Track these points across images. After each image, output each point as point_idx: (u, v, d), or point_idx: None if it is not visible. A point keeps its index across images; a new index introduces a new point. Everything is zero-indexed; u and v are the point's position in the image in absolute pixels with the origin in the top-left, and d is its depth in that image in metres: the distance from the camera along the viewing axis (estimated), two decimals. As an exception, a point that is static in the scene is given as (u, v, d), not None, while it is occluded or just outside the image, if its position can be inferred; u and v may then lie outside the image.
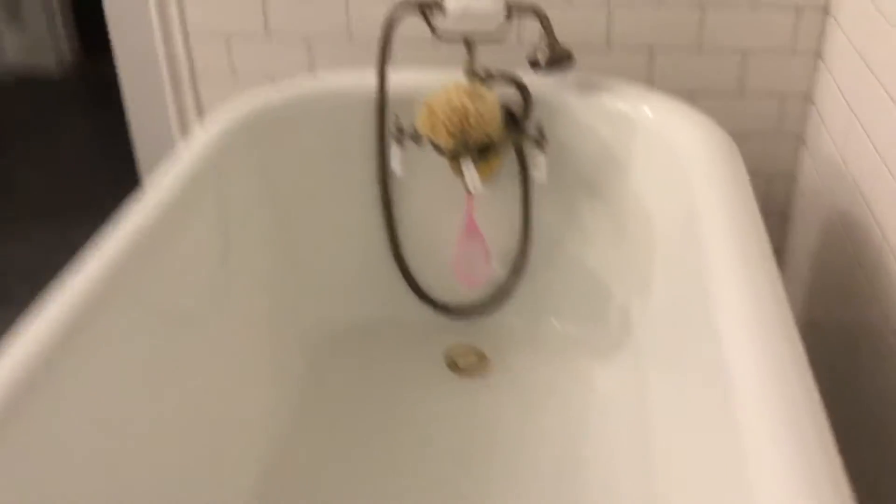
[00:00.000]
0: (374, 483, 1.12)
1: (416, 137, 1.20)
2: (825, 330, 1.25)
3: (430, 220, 1.34)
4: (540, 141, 1.20)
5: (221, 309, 1.10)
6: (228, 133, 1.17)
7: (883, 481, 1.01)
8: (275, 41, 1.47)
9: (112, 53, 1.54)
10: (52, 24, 2.87)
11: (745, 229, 0.91)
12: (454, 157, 1.18)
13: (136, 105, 1.59)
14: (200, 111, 1.56)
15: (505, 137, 1.20)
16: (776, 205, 1.50)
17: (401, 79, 1.25)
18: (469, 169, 1.15)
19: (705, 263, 0.90)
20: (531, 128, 1.23)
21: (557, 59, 1.17)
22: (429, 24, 1.18)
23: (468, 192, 1.22)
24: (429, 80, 1.22)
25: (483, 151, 1.18)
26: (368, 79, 1.25)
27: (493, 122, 1.15)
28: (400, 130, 1.21)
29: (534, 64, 1.18)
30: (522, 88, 1.21)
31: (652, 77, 1.42)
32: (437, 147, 1.19)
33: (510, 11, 1.15)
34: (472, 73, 1.19)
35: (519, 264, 1.34)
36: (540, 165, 1.20)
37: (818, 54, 1.37)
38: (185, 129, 1.58)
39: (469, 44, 1.18)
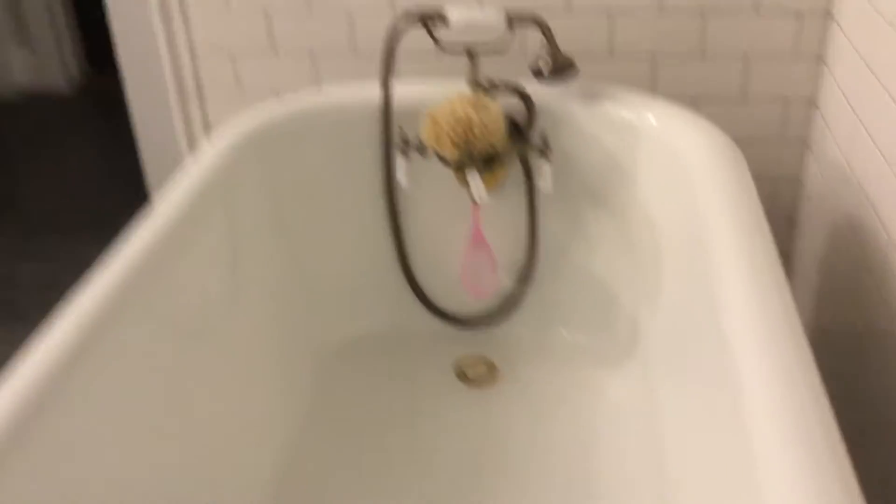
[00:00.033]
0: (383, 492, 1.12)
1: (421, 149, 1.21)
2: (833, 334, 1.25)
3: (437, 231, 1.34)
4: (544, 150, 1.20)
5: (231, 321, 1.11)
6: (235, 147, 1.18)
7: (892, 485, 1.01)
8: (280, 55, 1.48)
9: (119, 70, 1.56)
10: (60, 43, 2.89)
11: (750, 235, 0.92)
12: (459, 168, 1.18)
13: (143, 121, 1.60)
14: (207, 126, 1.57)
15: (509, 147, 1.20)
16: (783, 209, 1.50)
17: (405, 91, 1.26)
18: (474, 179, 1.16)
19: (712, 270, 0.90)
20: (535, 137, 1.23)
21: (560, 68, 1.17)
22: (431, 35, 1.19)
23: (474, 202, 1.22)
24: (433, 92, 1.23)
25: (488, 162, 1.18)
26: (373, 91, 1.26)
27: (497, 133, 1.15)
28: (405, 142, 1.21)
29: (537, 73, 1.18)
30: (526, 98, 1.22)
31: (655, 84, 1.43)
32: (442, 158, 1.19)
33: (511, 22, 1.16)
34: (475, 84, 1.20)
35: (526, 274, 1.34)
36: (545, 175, 1.21)
37: (821, 59, 1.37)
38: (192, 143, 1.59)
39: (472, 55, 1.19)
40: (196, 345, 1.02)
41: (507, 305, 1.36)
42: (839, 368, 1.21)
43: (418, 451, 1.18)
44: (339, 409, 1.26)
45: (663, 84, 1.43)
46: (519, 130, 1.23)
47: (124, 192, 2.26)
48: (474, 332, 1.38)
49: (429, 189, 1.31)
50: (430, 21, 1.17)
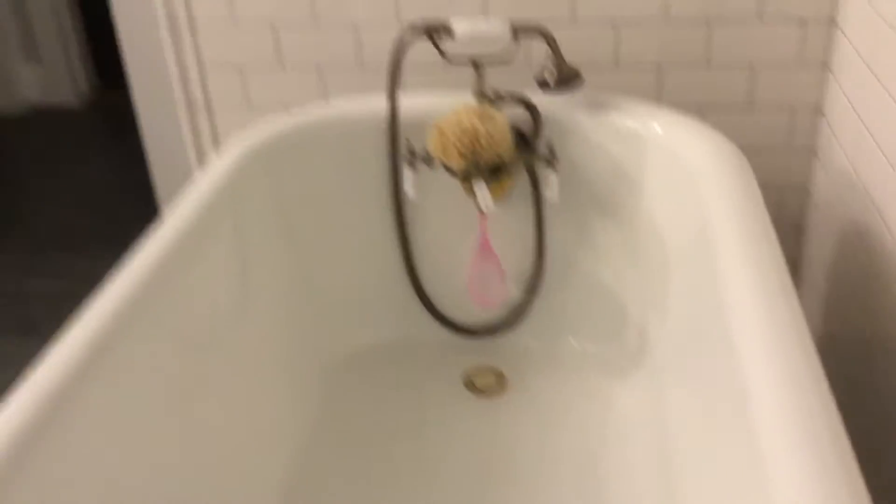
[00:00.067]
0: (391, 502, 1.12)
1: (428, 160, 1.21)
2: (841, 341, 1.25)
3: (445, 241, 1.35)
4: (551, 160, 1.20)
5: (240, 332, 1.12)
6: (244, 160, 1.19)
7: (906, 493, 1.00)
8: (287, 69, 1.50)
9: (128, 85, 1.57)
10: (69, 58, 2.92)
11: (757, 243, 0.92)
12: (466, 179, 1.19)
13: (152, 135, 1.61)
14: (216, 139, 1.58)
15: (516, 157, 1.21)
16: (790, 217, 1.50)
17: (411, 103, 1.26)
18: (481, 189, 1.16)
19: (720, 278, 0.90)
20: (542, 147, 1.24)
21: (566, 78, 1.18)
22: (437, 47, 1.19)
23: (481, 212, 1.22)
24: (439, 104, 1.24)
25: (495, 172, 1.19)
26: (379, 104, 1.27)
27: (503, 143, 1.16)
28: (412, 153, 1.22)
29: (542, 84, 1.19)
30: (532, 108, 1.22)
31: (661, 94, 1.43)
32: (449, 169, 1.20)
33: (517, 33, 1.16)
34: (481, 96, 1.20)
35: (534, 284, 1.34)
36: (552, 185, 1.21)
37: (826, 66, 1.37)
38: (201, 157, 1.60)
39: (477, 66, 1.19)
40: (205, 356, 1.02)
41: (514, 315, 1.37)
42: (847, 375, 1.20)
43: (426, 461, 1.18)
44: (347, 418, 1.26)
45: (669, 93, 1.43)
46: (525, 140, 1.23)
47: (134, 206, 2.27)
48: (482, 341, 1.38)
49: (436, 200, 1.31)
50: (435, 33, 1.17)
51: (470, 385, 1.31)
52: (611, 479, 1.14)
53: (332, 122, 1.29)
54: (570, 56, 1.41)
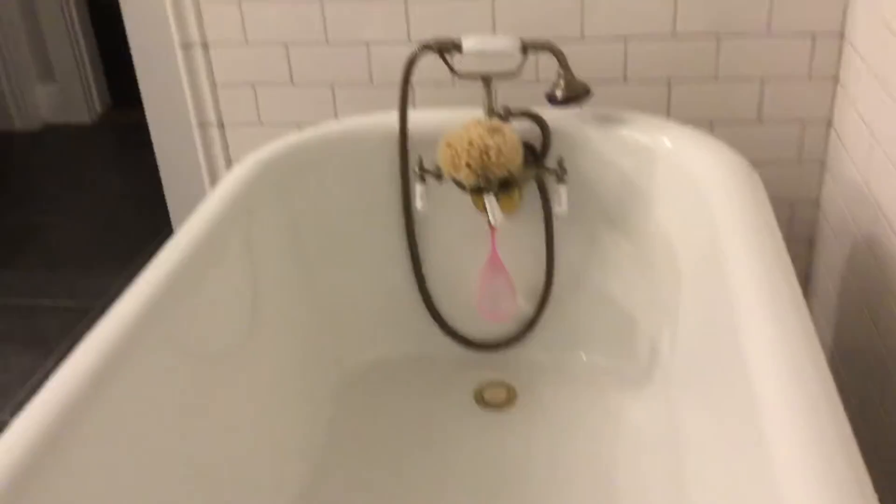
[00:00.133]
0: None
1: (438, 175, 1.22)
2: (853, 354, 1.24)
3: (455, 256, 1.35)
4: (560, 174, 1.21)
5: (251, 347, 1.12)
6: (255, 177, 1.20)
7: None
8: (299, 87, 1.51)
9: (142, 103, 1.59)
10: (83, 78, 2.95)
11: (768, 256, 0.92)
12: (476, 193, 1.19)
13: (165, 153, 1.62)
14: (228, 157, 1.59)
15: (526, 172, 1.21)
16: (801, 231, 1.49)
17: (421, 118, 1.27)
18: (491, 204, 1.17)
19: (730, 292, 0.90)
20: (551, 161, 1.24)
21: (574, 93, 1.18)
22: (447, 64, 1.20)
23: (491, 226, 1.23)
24: (449, 119, 1.24)
25: (504, 186, 1.19)
26: (390, 120, 1.27)
27: (513, 157, 1.16)
28: (422, 168, 1.23)
29: (551, 99, 1.19)
30: (541, 123, 1.23)
31: (670, 108, 1.43)
32: (458, 183, 1.20)
33: (525, 49, 1.17)
34: (491, 111, 1.21)
35: (544, 297, 1.34)
36: (561, 198, 1.22)
37: (836, 79, 1.37)
38: (214, 175, 1.61)
39: (487, 81, 1.20)
40: (217, 371, 1.03)
41: (524, 329, 1.36)
42: (859, 388, 1.20)
43: (438, 475, 1.18)
44: (359, 433, 1.26)
45: (678, 108, 1.43)
46: (535, 155, 1.24)
47: (147, 223, 2.29)
48: (493, 355, 1.38)
49: (446, 214, 1.32)
50: (445, 50, 1.18)
51: (480, 399, 1.31)
52: (623, 493, 1.13)
53: (342, 139, 1.30)
54: (579, 71, 1.42)
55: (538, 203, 1.29)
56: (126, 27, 1.53)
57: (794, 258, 0.95)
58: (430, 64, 1.38)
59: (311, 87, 1.51)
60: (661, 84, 1.42)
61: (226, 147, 1.58)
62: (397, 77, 1.46)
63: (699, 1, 1.35)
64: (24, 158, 2.77)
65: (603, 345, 1.34)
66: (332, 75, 1.49)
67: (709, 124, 1.44)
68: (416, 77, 1.44)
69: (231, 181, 1.17)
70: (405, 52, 1.24)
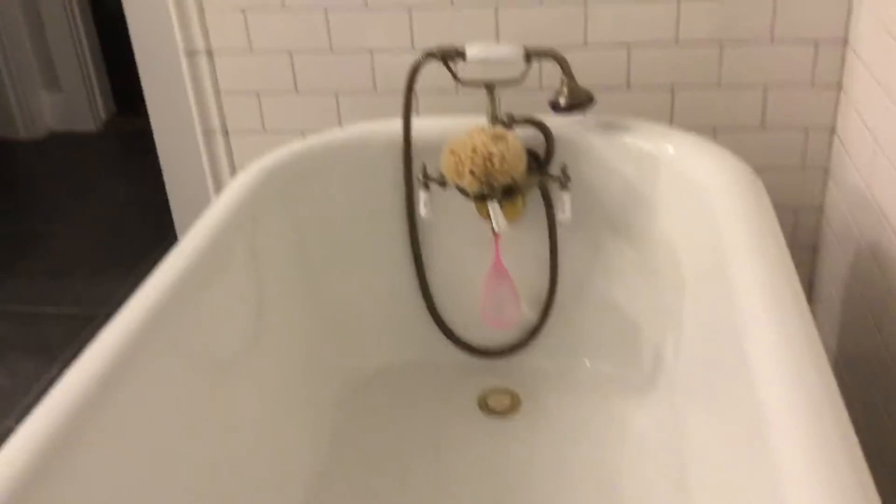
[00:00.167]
0: (409, 527, 1.12)
1: (442, 182, 1.22)
2: (857, 361, 1.24)
3: (458, 263, 1.35)
4: (564, 181, 1.21)
5: (255, 354, 1.12)
6: (259, 184, 1.20)
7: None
8: (303, 95, 1.51)
9: (146, 111, 1.59)
10: (88, 87, 2.96)
11: (772, 262, 0.92)
12: (480, 200, 1.20)
13: (170, 160, 1.63)
14: (232, 164, 1.60)
15: (529, 179, 1.22)
16: (805, 238, 1.49)
17: (425, 125, 1.28)
18: (495, 211, 1.17)
19: (734, 298, 0.90)
20: (555, 168, 1.24)
21: (578, 101, 1.19)
22: (451, 71, 1.21)
23: (495, 233, 1.23)
24: (452, 126, 1.25)
25: (508, 193, 1.19)
26: (393, 127, 1.28)
27: (516, 164, 1.16)
28: (426, 176, 1.23)
29: (555, 107, 1.20)
30: (545, 130, 1.23)
31: (673, 115, 1.44)
32: (462, 190, 1.21)
33: (529, 56, 1.17)
34: (494, 118, 1.21)
35: (547, 304, 1.34)
36: (565, 205, 1.22)
37: (839, 86, 1.38)
38: (218, 183, 1.62)
39: (490, 89, 1.20)
40: (221, 378, 1.03)
41: (528, 335, 1.36)
42: (863, 395, 1.19)
43: (442, 482, 1.18)
44: (363, 440, 1.26)
45: (681, 115, 1.44)
46: (538, 162, 1.24)
47: (151, 230, 2.29)
48: (496, 362, 1.38)
49: (449, 221, 1.32)
50: (449, 58, 1.19)
51: (484, 406, 1.31)
52: (627, 500, 1.13)
53: (346, 146, 1.30)
54: (582, 78, 1.42)
55: (542, 210, 1.29)
56: (130, 35, 1.53)
57: (798, 265, 0.95)
58: (433, 71, 1.38)
59: (315, 94, 1.51)
60: (664, 91, 1.42)
61: (230, 154, 1.59)
62: (401, 85, 1.47)
63: (702, 8, 1.35)
64: (29, 166, 2.78)
65: (607, 352, 1.34)
66: (336, 83, 1.50)
67: (712, 131, 1.44)
68: (419, 84, 1.45)
69: (235, 188, 1.17)
70: (409, 59, 1.24)
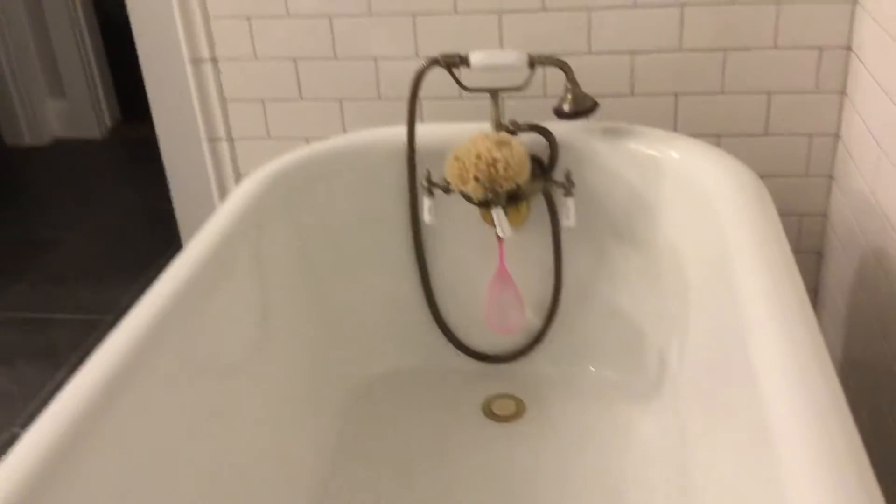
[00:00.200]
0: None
1: (446, 188, 1.22)
2: (863, 367, 1.23)
3: (463, 269, 1.35)
4: (568, 187, 1.21)
5: (260, 360, 1.12)
6: (264, 191, 1.21)
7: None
8: (307, 102, 1.52)
9: (151, 118, 1.60)
10: (93, 94, 2.97)
11: (777, 268, 0.91)
12: (484, 206, 1.20)
13: (175, 167, 1.63)
14: (237, 171, 1.60)
15: (533, 185, 1.22)
16: (810, 243, 1.49)
17: (429, 132, 1.28)
18: (499, 216, 1.17)
19: (739, 304, 0.90)
20: (559, 174, 1.24)
21: (582, 107, 1.19)
22: (455, 78, 1.21)
23: (499, 239, 1.23)
24: (456, 133, 1.25)
25: (512, 199, 1.19)
26: (397, 134, 1.28)
27: (520, 170, 1.16)
28: (430, 182, 1.23)
29: (559, 113, 1.20)
30: (548, 136, 1.23)
31: (677, 121, 1.44)
32: (466, 196, 1.21)
33: (533, 63, 1.18)
34: (498, 125, 1.22)
35: (552, 310, 1.34)
36: (569, 211, 1.22)
37: (843, 92, 1.38)
38: (223, 189, 1.62)
39: (494, 96, 1.21)
40: (226, 384, 1.03)
41: (532, 341, 1.36)
42: (869, 401, 1.19)
43: (447, 488, 1.18)
44: (367, 446, 1.26)
45: (685, 121, 1.44)
46: (542, 168, 1.24)
47: (156, 237, 2.30)
48: (501, 368, 1.38)
49: (454, 227, 1.32)
50: (453, 65, 1.19)
51: (489, 412, 1.31)
52: (632, 508, 1.13)
53: (351, 153, 1.30)
54: (586, 85, 1.43)
55: (546, 216, 1.29)
56: (136, 42, 1.54)
57: (803, 271, 0.95)
58: (437, 78, 1.38)
59: (320, 101, 1.52)
60: (668, 98, 1.42)
61: (235, 161, 1.59)
62: (405, 91, 1.47)
63: (706, 15, 1.36)
64: (35, 173, 2.79)
65: (611, 358, 1.34)
66: (340, 90, 1.50)
67: (716, 138, 1.44)
68: (423, 91, 1.45)
69: (240, 195, 1.18)
70: (413, 66, 1.24)
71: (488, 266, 1.32)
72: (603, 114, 1.43)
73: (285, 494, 1.13)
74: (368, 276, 1.36)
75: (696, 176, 1.15)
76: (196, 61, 1.51)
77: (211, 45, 1.50)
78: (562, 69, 1.18)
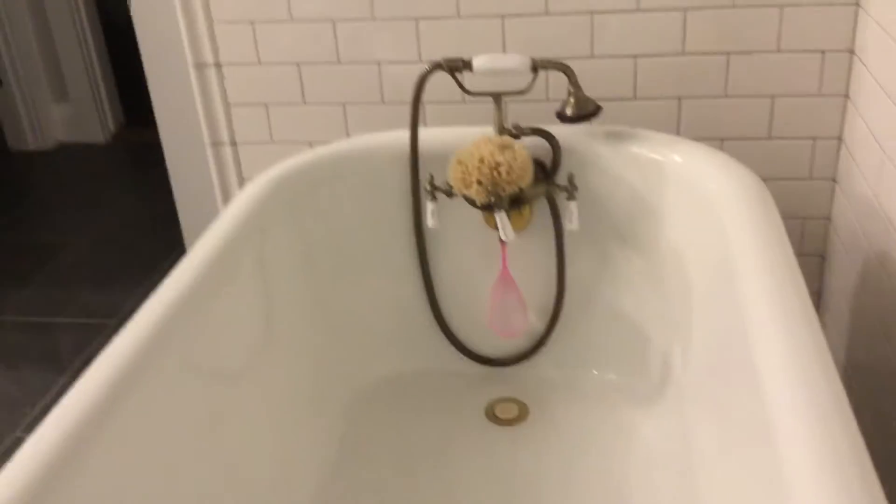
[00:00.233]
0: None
1: (449, 192, 1.23)
2: (866, 370, 1.23)
3: (466, 272, 1.35)
4: (571, 191, 1.21)
5: (264, 363, 1.12)
6: (268, 195, 1.21)
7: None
8: (311, 106, 1.52)
9: (155, 122, 1.60)
10: (97, 98, 2.98)
11: (780, 272, 0.91)
12: (487, 209, 1.20)
13: (178, 171, 1.64)
14: (241, 175, 1.61)
15: (536, 188, 1.22)
16: (813, 246, 1.49)
17: (432, 136, 1.28)
18: (502, 220, 1.17)
19: (742, 307, 0.90)
20: (562, 178, 1.25)
21: (585, 111, 1.19)
22: (458, 82, 1.21)
23: (502, 242, 1.23)
24: (460, 136, 1.25)
25: (515, 202, 1.20)
26: (400, 138, 1.28)
27: (523, 174, 1.17)
28: (433, 186, 1.23)
29: (562, 116, 1.20)
30: (551, 140, 1.23)
31: (680, 125, 1.44)
32: (469, 200, 1.21)
33: (535, 67, 1.18)
34: (501, 129, 1.22)
35: (555, 313, 1.34)
36: (572, 215, 1.22)
37: (846, 95, 1.38)
38: (226, 194, 1.63)
39: (497, 99, 1.21)
40: (230, 388, 1.03)
41: (535, 344, 1.36)
42: (872, 404, 1.19)
43: (450, 491, 1.18)
44: (371, 449, 1.26)
45: (688, 125, 1.44)
46: (545, 171, 1.24)
47: (160, 241, 2.30)
48: (504, 372, 1.38)
49: (457, 231, 1.32)
50: (456, 69, 1.19)
51: (492, 415, 1.31)
52: (635, 512, 1.13)
53: (354, 157, 1.30)
54: (589, 88, 1.43)
55: (549, 219, 1.29)
56: (140, 47, 1.55)
57: (806, 274, 0.95)
58: (440, 82, 1.39)
59: (323, 105, 1.52)
60: (671, 101, 1.42)
61: (238, 165, 1.60)
62: (408, 96, 1.47)
63: (708, 18, 1.36)
64: (39, 177, 2.80)
65: (614, 361, 1.34)
66: (343, 94, 1.50)
67: (719, 141, 1.44)
68: (426, 95, 1.45)
69: (244, 199, 1.18)
70: (416, 70, 1.25)
71: (491, 270, 1.32)
72: (606, 117, 1.43)
73: (289, 497, 1.13)
74: (371, 279, 1.36)
75: (698, 179, 1.15)
76: (200, 66, 1.51)
77: (214, 50, 1.50)
78: (564, 73, 1.18)
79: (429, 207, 1.24)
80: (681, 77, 1.40)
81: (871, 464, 0.66)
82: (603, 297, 1.32)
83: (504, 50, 1.42)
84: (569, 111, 1.19)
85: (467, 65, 1.19)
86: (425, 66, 1.21)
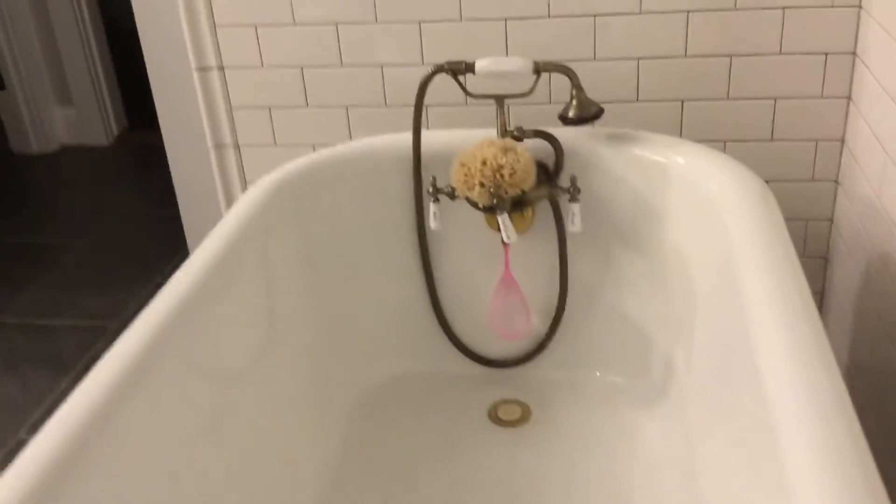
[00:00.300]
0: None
1: (452, 194, 1.23)
2: (869, 372, 1.23)
3: (468, 274, 1.35)
4: (574, 193, 1.21)
5: (267, 365, 1.13)
6: (270, 197, 1.21)
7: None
8: (313, 109, 1.52)
9: (158, 126, 1.60)
10: (100, 100, 2.99)
11: (783, 274, 0.91)
12: (489, 212, 1.20)
13: (181, 174, 1.64)
14: (243, 178, 1.61)
15: (539, 190, 1.22)
16: (816, 249, 1.49)
17: (435, 138, 1.28)
18: (504, 222, 1.17)
19: (745, 309, 0.90)
20: (564, 180, 1.25)
21: (587, 113, 1.19)
22: (461, 85, 1.21)
23: (504, 244, 1.23)
24: (462, 139, 1.25)
25: (518, 204, 1.20)
26: (403, 140, 1.28)
27: (526, 176, 1.17)
28: (435, 188, 1.23)
29: (564, 119, 1.20)
30: (554, 142, 1.23)
31: (682, 128, 1.44)
32: (472, 202, 1.21)
33: (538, 70, 1.18)
34: (504, 131, 1.22)
35: (557, 315, 1.34)
36: (575, 217, 1.22)
37: (849, 97, 1.38)
38: (229, 196, 1.63)
39: (500, 102, 1.21)
40: (233, 390, 1.03)
41: (538, 346, 1.36)
42: (875, 406, 1.19)
43: (452, 493, 1.18)
44: (373, 450, 1.26)
45: (691, 127, 1.44)
46: (548, 173, 1.25)
47: (163, 243, 2.31)
48: (507, 373, 1.38)
49: (459, 233, 1.32)
50: (459, 72, 1.20)
51: (494, 417, 1.31)
52: (638, 514, 1.12)
53: (356, 159, 1.31)
54: (591, 91, 1.43)
55: (551, 222, 1.29)
56: (143, 50, 1.55)
57: (809, 276, 0.95)
58: (443, 85, 1.39)
59: (326, 108, 1.52)
60: (673, 104, 1.42)
61: (241, 168, 1.60)
62: (411, 98, 1.47)
63: (711, 21, 1.36)
64: (42, 180, 2.80)
65: (617, 363, 1.34)
66: (346, 97, 1.51)
67: (722, 144, 1.44)
68: (429, 98, 1.46)
69: (246, 202, 1.18)
70: (419, 73, 1.25)
71: (494, 272, 1.32)
72: (608, 120, 1.43)
73: (292, 499, 1.13)
74: (374, 281, 1.36)
75: (701, 181, 1.15)
76: (203, 69, 1.52)
77: (217, 53, 1.50)
78: (567, 75, 1.18)
79: (431, 210, 1.24)
80: (683, 79, 1.40)
81: (875, 465, 0.66)
82: (605, 299, 1.32)
83: (506, 53, 1.43)
84: (571, 114, 1.19)
85: (470, 67, 1.19)
86: (428, 69, 1.21)
